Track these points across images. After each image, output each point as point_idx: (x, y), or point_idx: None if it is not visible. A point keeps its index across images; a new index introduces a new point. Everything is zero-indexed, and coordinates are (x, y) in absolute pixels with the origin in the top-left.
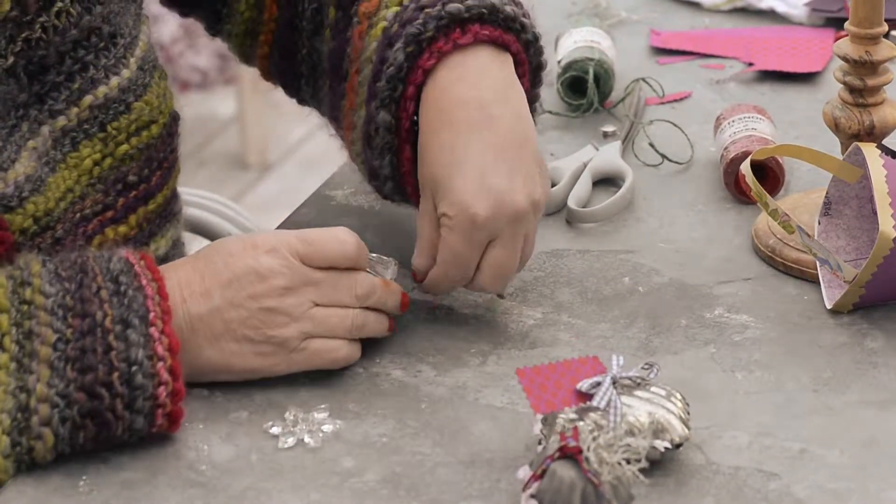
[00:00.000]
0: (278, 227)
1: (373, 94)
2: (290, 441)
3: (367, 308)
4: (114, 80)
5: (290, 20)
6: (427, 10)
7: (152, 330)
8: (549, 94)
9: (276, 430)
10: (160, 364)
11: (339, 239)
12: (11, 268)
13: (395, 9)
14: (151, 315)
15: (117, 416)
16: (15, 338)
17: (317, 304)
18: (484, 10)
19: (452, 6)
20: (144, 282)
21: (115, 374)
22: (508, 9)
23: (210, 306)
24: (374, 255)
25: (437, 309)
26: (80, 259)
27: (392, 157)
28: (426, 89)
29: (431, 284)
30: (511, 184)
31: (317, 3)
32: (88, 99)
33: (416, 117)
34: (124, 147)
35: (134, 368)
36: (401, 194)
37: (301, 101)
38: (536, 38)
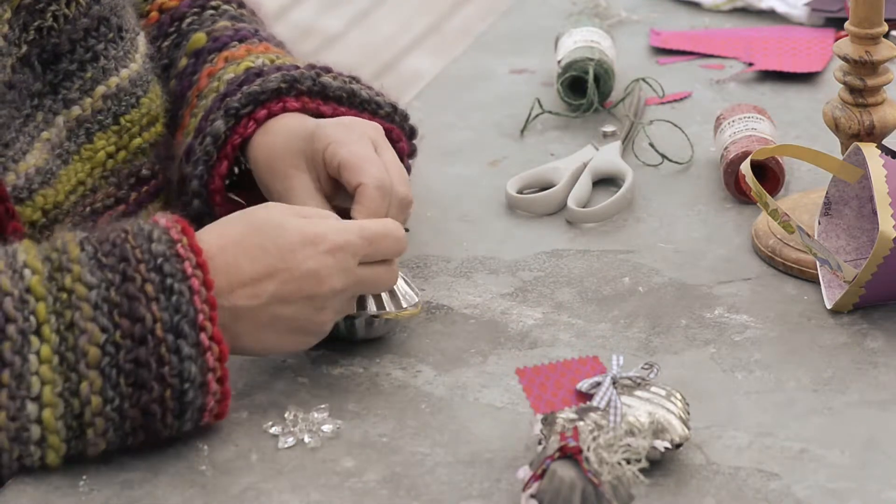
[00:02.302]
0: None
1: (215, 108)
2: (290, 441)
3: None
4: (124, 72)
5: None
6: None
7: (202, 337)
8: (550, 94)
9: (276, 430)
10: (210, 375)
11: (396, 237)
12: (47, 247)
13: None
14: (200, 317)
15: (167, 425)
16: (55, 327)
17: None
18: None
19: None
20: (189, 269)
21: (168, 392)
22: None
23: (259, 302)
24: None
25: (437, 309)
26: (119, 240)
27: (204, 169)
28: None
29: (373, 206)
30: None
31: (167, 60)
32: (101, 89)
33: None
34: (138, 140)
35: (187, 386)
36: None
37: None
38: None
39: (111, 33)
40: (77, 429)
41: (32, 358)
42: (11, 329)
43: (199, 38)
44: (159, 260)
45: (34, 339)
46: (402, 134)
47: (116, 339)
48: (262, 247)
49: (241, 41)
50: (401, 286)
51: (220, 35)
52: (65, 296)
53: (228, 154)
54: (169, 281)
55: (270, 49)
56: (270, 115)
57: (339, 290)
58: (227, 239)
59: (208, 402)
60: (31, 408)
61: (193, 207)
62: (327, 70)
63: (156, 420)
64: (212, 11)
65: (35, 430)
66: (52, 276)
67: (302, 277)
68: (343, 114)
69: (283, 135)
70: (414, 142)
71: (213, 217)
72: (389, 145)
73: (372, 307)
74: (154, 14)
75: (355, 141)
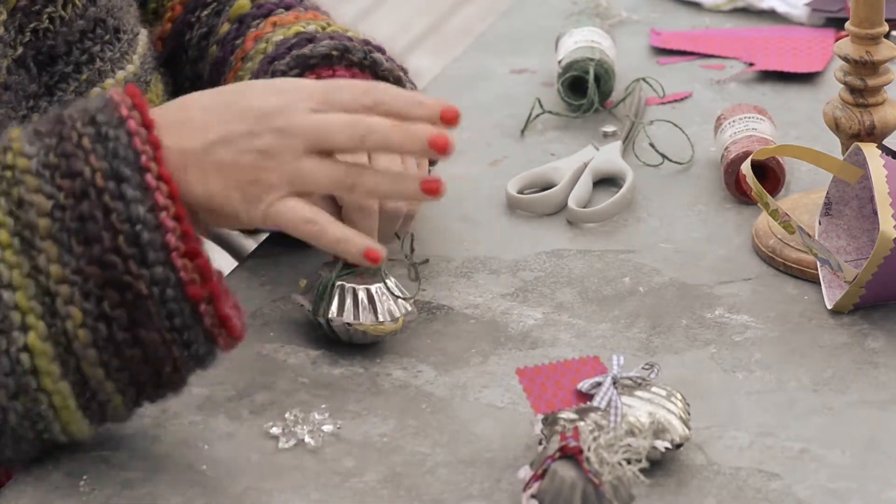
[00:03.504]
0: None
1: (262, 71)
2: (291, 441)
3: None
4: (120, 74)
5: (172, 57)
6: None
7: (148, 178)
8: (550, 94)
9: (276, 430)
10: (163, 213)
11: (355, 85)
12: None
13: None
14: (143, 158)
15: (134, 275)
16: (6, 209)
17: (308, 153)
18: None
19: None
20: (125, 112)
21: (121, 238)
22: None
23: (204, 141)
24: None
25: (438, 309)
26: (60, 109)
27: None
28: None
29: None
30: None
31: (206, 28)
32: (97, 91)
33: None
34: None
35: (138, 227)
36: None
37: None
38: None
39: (107, 35)
40: (50, 303)
41: None
42: None
43: (243, 4)
44: (93, 111)
45: None
46: None
47: (61, 201)
48: (221, 95)
49: (286, 9)
50: (384, 298)
51: (264, 2)
52: (9, 174)
53: None
54: (104, 129)
55: (319, 17)
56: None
57: (281, 129)
58: (188, 98)
59: (168, 240)
60: (7, 296)
61: None
62: (381, 49)
63: (119, 272)
64: None
65: (15, 316)
66: None
67: (245, 112)
68: None
69: None
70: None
71: None
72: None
73: (349, 316)
74: None
75: (290, 108)
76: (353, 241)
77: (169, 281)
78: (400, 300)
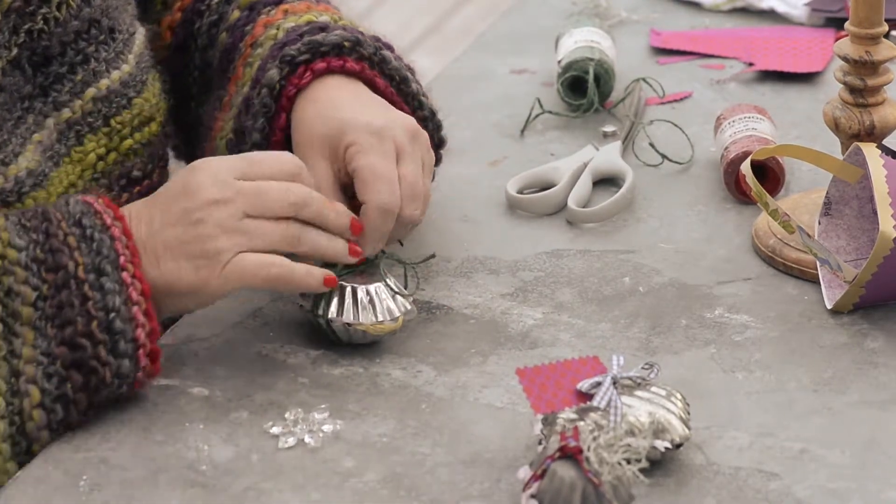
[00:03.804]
0: None
1: (271, 57)
2: (291, 441)
3: (308, 224)
4: (115, 74)
5: (181, 45)
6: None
7: (125, 275)
8: (550, 94)
9: (276, 430)
10: (136, 308)
11: (280, 158)
12: None
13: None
14: (122, 259)
15: (102, 362)
16: None
17: (249, 216)
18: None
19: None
20: (108, 220)
21: (95, 323)
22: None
23: (150, 230)
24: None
25: (437, 309)
26: (41, 208)
27: (265, 121)
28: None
29: (372, 225)
30: (393, 111)
31: (216, 16)
32: (91, 91)
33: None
34: (128, 142)
35: (112, 315)
36: None
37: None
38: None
39: (102, 35)
40: (15, 383)
41: None
42: None
43: None
44: (77, 215)
45: None
46: (431, 141)
47: (44, 292)
48: (159, 191)
49: None
50: (383, 297)
51: None
52: (0, 262)
53: (285, 106)
54: (89, 231)
55: (330, 9)
56: (329, 70)
57: (213, 200)
58: (150, 199)
59: (138, 335)
60: None
61: None
62: (390, 47)
63: (88, 356)
64: None
65: None
66: None
67: (178, 194)
68: (391, 96)
69: (317, 108)
70: (441, 151)
71: None
72: (418, 152)
73: (349, 316)
74: None
75: (379, 152)
76: (315, 273)
77: (129, 377)
78: (399, 299)
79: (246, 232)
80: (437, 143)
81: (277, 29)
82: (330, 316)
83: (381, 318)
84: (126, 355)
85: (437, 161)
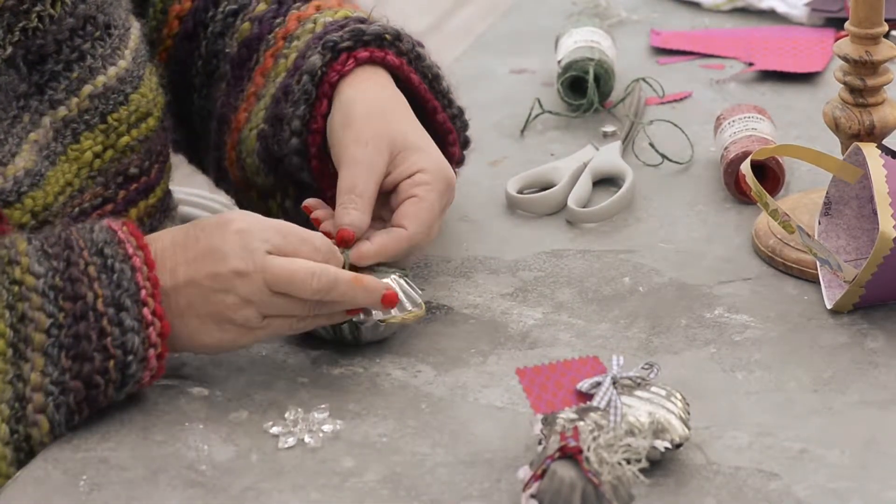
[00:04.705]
0: None
1: (309, 48)
2: (290, 441)
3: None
4: (111, 70)
5: (190, 33)
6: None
7: (145, 311)
8: (550, 94)
9: (276, 430)
10: (151, 350)
11: (314, 242)
12: None
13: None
14: (143, 292)
15: (108, 396)
16: (9, 321)
17: (274, 292)
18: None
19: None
20: (131, 250)
21: (111, 363)
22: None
23: (175, 283)
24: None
25: (437, 309)
26: (65, 234)
27: (307, 108)
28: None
29: (393, 246)
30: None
31: (236, 5)
32: (88, 88)
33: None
34: (125, 139)
35: (130, 358)
36: (300, 154)
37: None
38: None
39: (98, 31)
40: (19, 409)
41: None
42: None
43: None
44: (100, 244)
45: None
46: (457, 140)
47: (59, 320)
48: (186, 232)
49: None
50: (403, 287)
51: None
52: (16, 288)
53: (326, 92)
54: (110, 261)
55: (359, 9)
56: (371, 60)
57: (240, 271)
58: (164, 231)
59: (145, 377)
60: None
61: (291, 146)
62: (421, 45)
63: (99, 392)
64: None
65: None
66: (4, 269)
67: (207, 253)
68: (423, 93)
69: (367, 103)
70: (465, 152)
71: (308, 170)
72: (448, 197)
73: (378, 312)
74: None
75: (442, 200)
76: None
77: (119, 398)
78: (413, 285)
79: (270, 305)
80: (463, 143)
81: (314, 23)
82: (359, 318)
83: (409, 308)
84: (127, 388)
85: (461, 162)
